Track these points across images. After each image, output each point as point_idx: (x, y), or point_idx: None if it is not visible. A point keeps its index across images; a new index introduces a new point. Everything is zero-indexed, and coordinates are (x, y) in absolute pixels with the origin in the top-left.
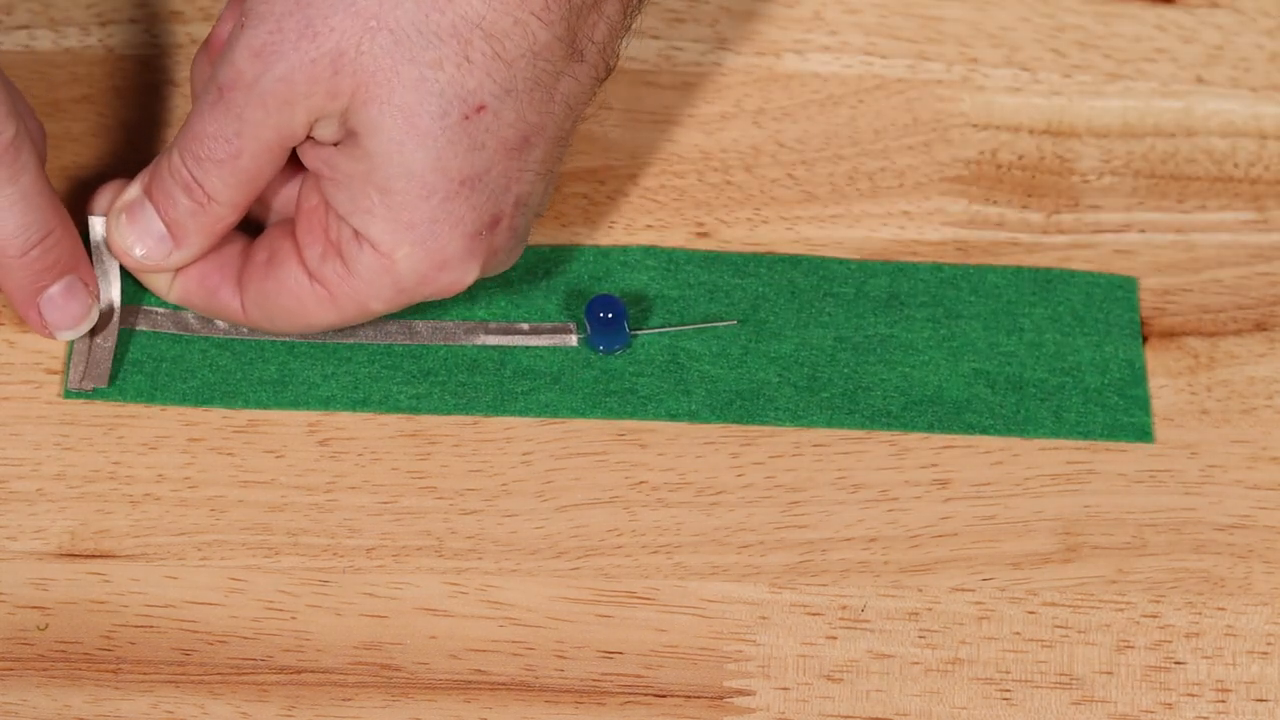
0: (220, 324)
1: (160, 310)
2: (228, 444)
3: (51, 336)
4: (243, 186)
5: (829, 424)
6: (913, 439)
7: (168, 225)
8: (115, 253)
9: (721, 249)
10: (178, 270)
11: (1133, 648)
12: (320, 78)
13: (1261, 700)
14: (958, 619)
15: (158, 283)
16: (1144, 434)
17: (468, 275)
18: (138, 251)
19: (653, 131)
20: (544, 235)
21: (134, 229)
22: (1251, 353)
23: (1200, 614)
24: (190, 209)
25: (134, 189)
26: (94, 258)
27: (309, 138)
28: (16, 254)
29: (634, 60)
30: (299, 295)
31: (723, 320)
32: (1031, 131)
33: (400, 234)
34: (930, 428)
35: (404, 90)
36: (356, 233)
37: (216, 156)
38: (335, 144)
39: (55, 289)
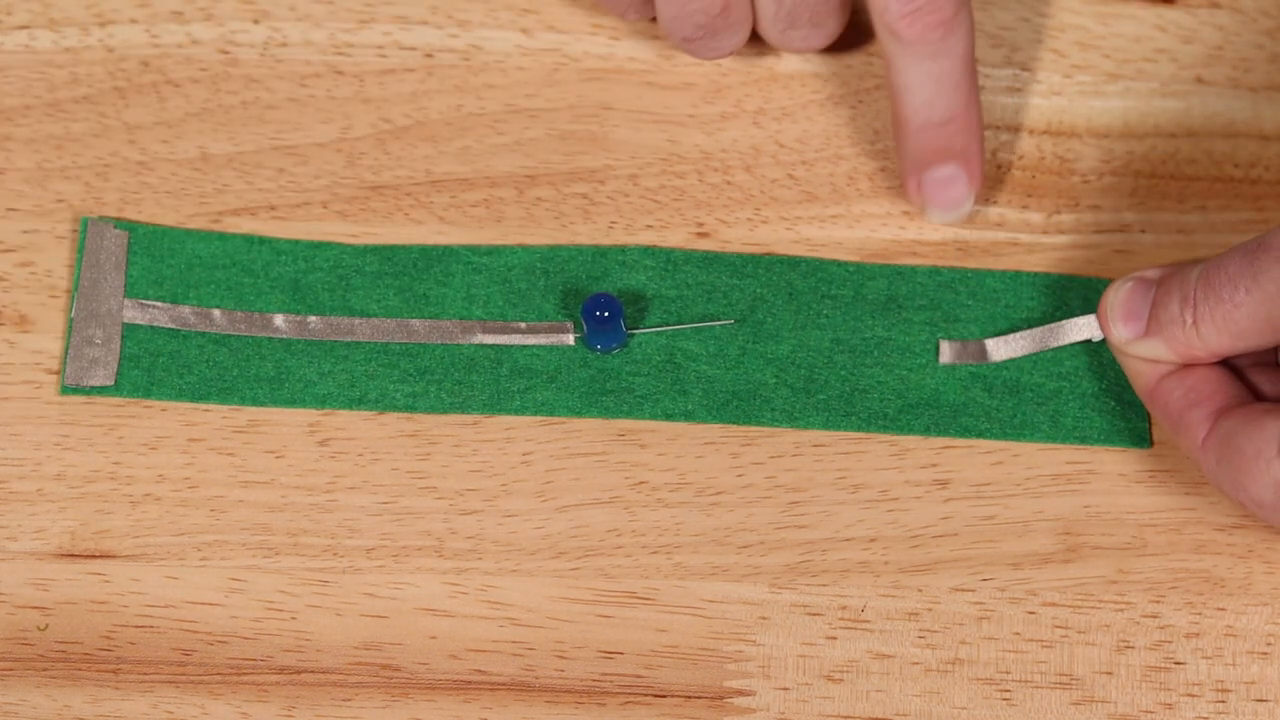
0: (218, 319)
1: (158, 305)
2: (228, 444)
3: (919, 212)
4: (1226, 335)
5: (825, 426)
6: (913, 439)
7: (1150, 319)
8: (1101, 313)
9: (721, 249)
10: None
11: (1133, 648)
12: None
13: (1261, 700)
14: (958, 619)
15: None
16: (1141, 439)
17: None
18: (1115, 321)
19: (653, 131)
20: (544, 236)
21: (1124, 302)
22: None
23: (1200, 614)
24: (1174, 321)
25: (1155, 271)
26: (85, 261)
27: None
28: (915, 128)
29: (634, 60)
30: (1255, 455)
31: (720, 320)
32: (1031, 131)
33: None
34: (927, 431)
35: None
36: None
37: (1220, 290)
38: None
39: (942, 171)
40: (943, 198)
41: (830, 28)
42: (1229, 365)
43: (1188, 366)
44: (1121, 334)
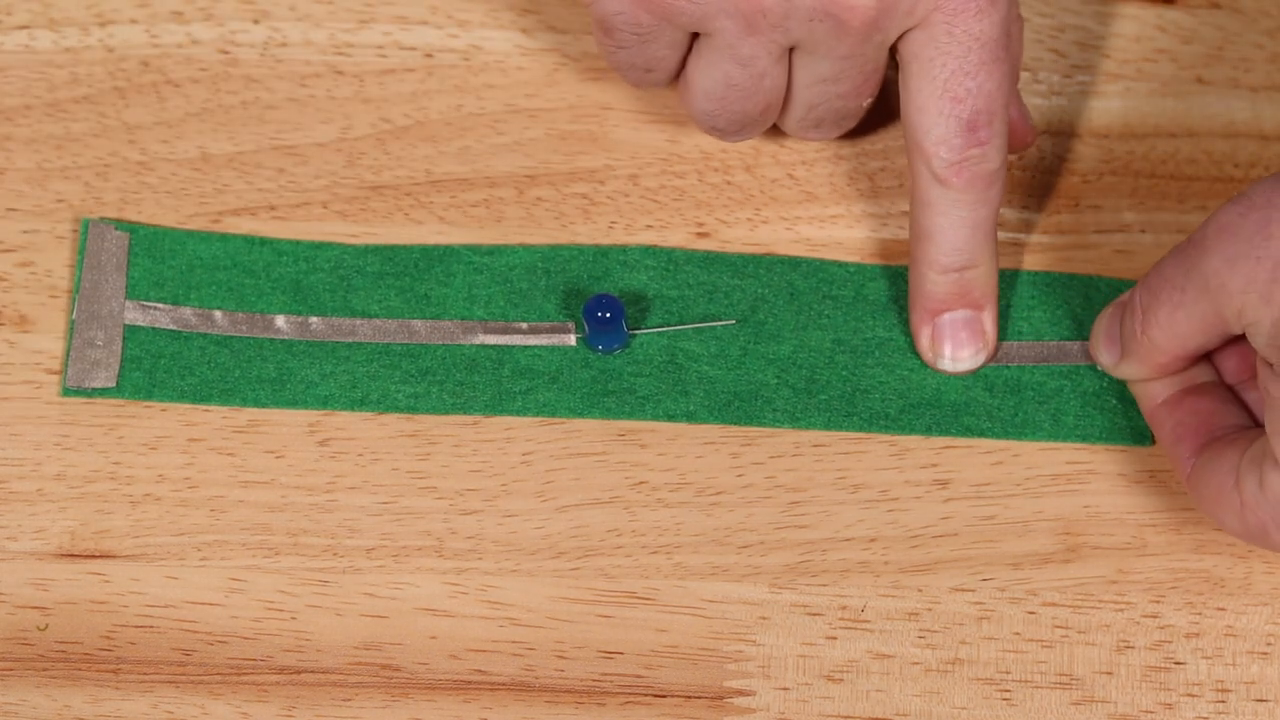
0: (219, 320)
1: (159, 306)
2: (228, 444)
3: (930, 360)
4: (1174, 337)
5: (827, 426)
6: (913, 439)
7: (1120, 338)
8: (1090, 342)
9: (721, 249)
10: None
11: (1133, 648)
12: (1257, 278)
13: (1261, 700)
14: (958, 619)
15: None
16: (1142, 438)
17: None
18: (1098, 349)
19: (653, 131)
20: (544, 236)
21: (1104, 328)
22: None
23: (1200, 614)
24: (1131, 334)
25: (1129, 294)
26: (87, 263)
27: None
28: (938, 270)
29: None
30: (1220, 489)
31: (721, 320)
32: None
33: None
34: (929, 430)
35: None
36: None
37: (1159, 294)
38: (1269, 363)
39: (956, 315)
40: (959, 340)
41: (848, 126)
42: (1227, 386)
43: (1181, 396)
44: (1104, 359)
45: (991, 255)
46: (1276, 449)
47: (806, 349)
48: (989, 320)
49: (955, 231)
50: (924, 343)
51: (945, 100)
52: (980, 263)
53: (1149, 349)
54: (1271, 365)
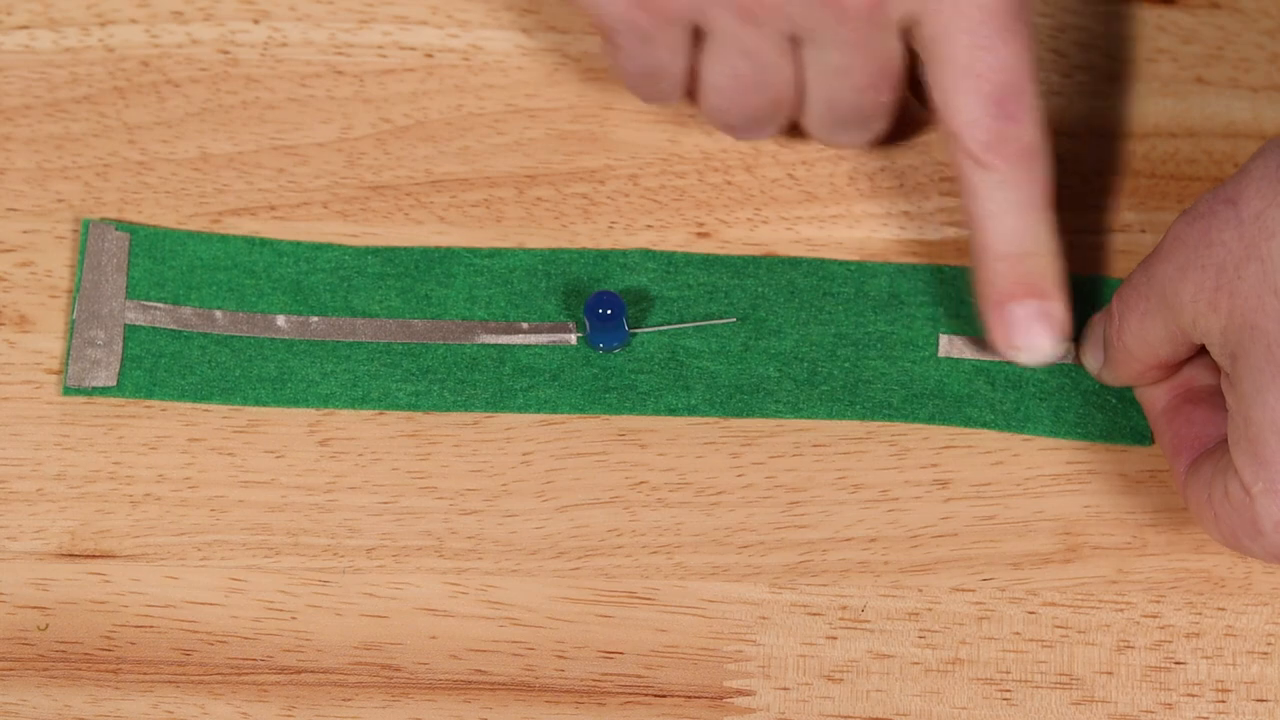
0: (219, 319)
1: (160, 306)
2: (228, 444)
3: (1003, 352)
4: (1144, 345)
5: (829, 415)
6: (913, 439)
7: (1104, 346)
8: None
9: (721, 249)
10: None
11: (1133, 648)
12: (1204, 287)
13: (1261, 700)
14: (958, 619)
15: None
16: (1142, 437)
17: None
18: (1085, 355)
19: (653, 131)
20: (544, 236)
21: (1091, 335)
22: None
23: (1200, 614)
24: (1109, 342)
25: None
26: (87, 263)
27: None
28: (995, 257)
29: None
30: (1199, 500)
31: (722, 318)
32: None
33: (1256, 470)
34: (930, 419)
35: (1273, 323)
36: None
37: (1129, 302)
38: (1227, 373)
39: (1024, 308)
40: (1027, 338)
41: (877, 128)
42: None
43: (1179, 404)
44: (1090, 364)
45: (1050, 241)
46: (1235, 459)
47: (808, 343)
48: (1059, 310)
49: (1005, 216)
50: (995, 337)
51: (968, 79)
52: (1039, 250)
53: (1125, 356)
54: (1228, 375)
